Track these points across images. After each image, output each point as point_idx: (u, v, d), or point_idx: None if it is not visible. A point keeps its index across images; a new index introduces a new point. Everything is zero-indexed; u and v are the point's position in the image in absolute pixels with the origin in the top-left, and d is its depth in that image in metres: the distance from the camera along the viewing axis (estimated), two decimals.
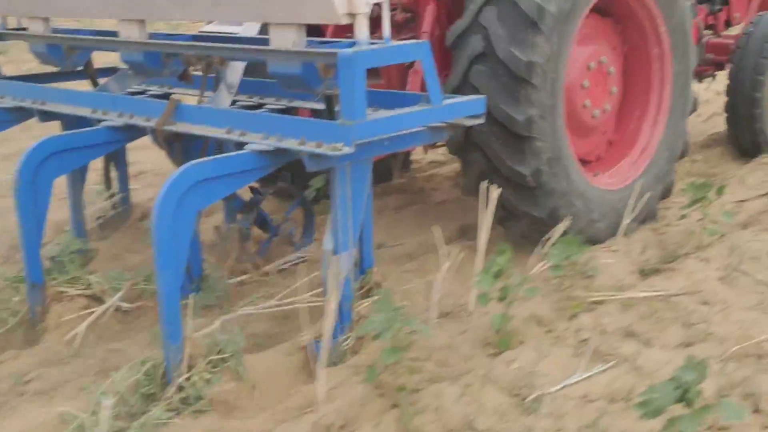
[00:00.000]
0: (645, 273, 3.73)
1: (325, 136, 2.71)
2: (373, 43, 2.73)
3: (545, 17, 3.55)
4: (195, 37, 3.61)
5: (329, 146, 2.68)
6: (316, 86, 2.91)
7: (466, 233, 4.28)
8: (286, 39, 2.86)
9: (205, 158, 2.75)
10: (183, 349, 2.67)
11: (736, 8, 6.16)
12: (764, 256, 3.69)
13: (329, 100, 3.15)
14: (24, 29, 4.08)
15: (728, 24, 6.20)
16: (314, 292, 3.11)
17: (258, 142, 2.85)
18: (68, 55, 3.93)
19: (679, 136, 4.42)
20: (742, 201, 4.72)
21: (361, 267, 3.16)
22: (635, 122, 4.33)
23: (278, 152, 2.83)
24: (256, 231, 3.93)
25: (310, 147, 2.72)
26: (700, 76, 5.94)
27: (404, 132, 2.91)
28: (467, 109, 3.04)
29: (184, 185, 2.63)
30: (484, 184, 3.30)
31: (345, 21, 2.65)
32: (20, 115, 3.93)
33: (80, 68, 4.08)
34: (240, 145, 2.92)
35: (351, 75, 2.61)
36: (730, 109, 5.76)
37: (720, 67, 5.99)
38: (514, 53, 3.55)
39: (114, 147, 3.50)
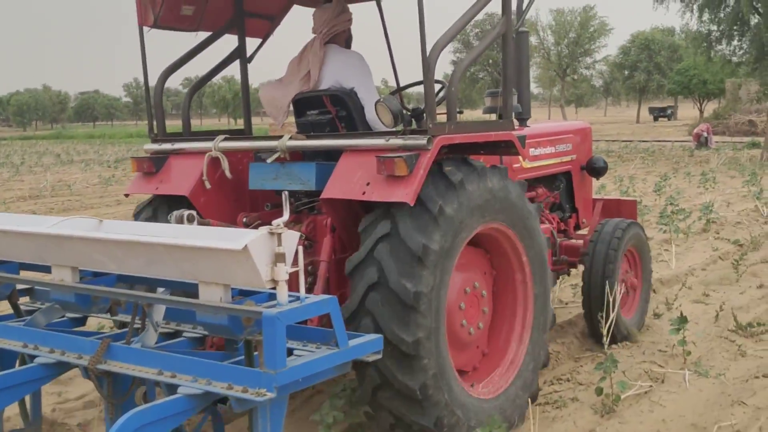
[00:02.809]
0: None
1: (250, 381, 3.16)
2: (292, 300, 3.26)
3: (429, 254, 4.18)
4: (120, 278, 4.02)
5: (254, 391, 3.12)
6: (239, 333, 3.38)
7: None
8: (214, 294, 3.35)
9: (143, 405, 3.12)
10: None
11: (583, 214, 7.17)
12: None
13: (248, 343, 3.61)
14: None
15: (577, 227, 7.19)
16: None
17: (189, 385, 3.26)
18: None
19: (541, 347, 5.09)
20: None
21: None
22: (504, 337, 4.98)
23: (207, 395, 3.25)
24: None
25: (237, 392, 3.16)
26: (557, 273, 6.80)
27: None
28: (369, 347, 3.58)
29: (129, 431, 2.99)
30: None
31: (269, 286, 3.18)
32: None
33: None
34: (171, 386, 3.32)
35: (273, 331, 3.10)
36: (585, 304, 6.59)
37: (572, 265, 6.88)
38: (404, 284, 4.13)
39: (45, 382, 3.79)
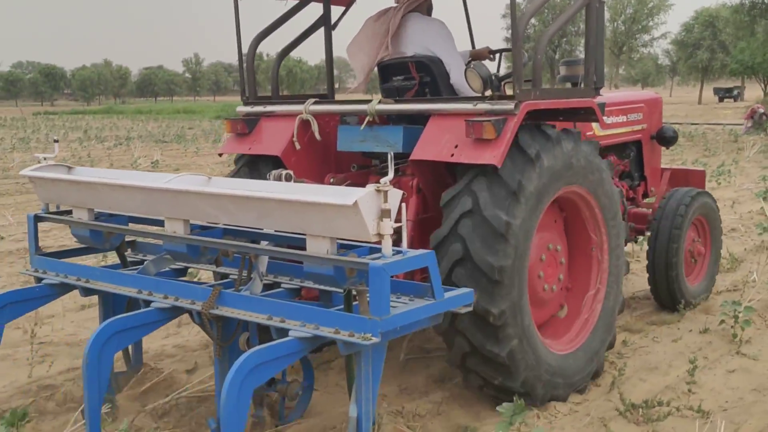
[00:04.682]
0: None
1: (356, 327, 3.42)
2: (395, 253, 3.50)
3: (511, 228, 4.34)
4: (226, 231, 4.32)
5: (360, 336, 3.39)
6: (342, 283, 3.64)
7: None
8: (321, 247, 3.61)
9: (260, 346, 3.41)
10: None
11: (651, 183, 7.28)
12: None
13: (348, 292, 3.87)
14: (64, 212, 4.71)
15: (645, 196, 7.31)
16: None
17: (299, 329, 3.54)
18: (107, 239, 4.58)
19: (610, 325, 5.28)
20: None
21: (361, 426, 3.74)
22: (581, 292, 5.20)
23: (315, 339, 3.53)
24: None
25: (343, 336, 3.43)
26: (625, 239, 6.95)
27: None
28: (461, 300, 3.82)
29: (247, 369, 3.28)
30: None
31: (374, 240, 3.42)
32: (63, 290, 4.54)
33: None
34: (281, 330, 3.60)
35: (380, 281, 3.36)
36: (651, 270, 6.75)
37: (640, 233, 7.03)
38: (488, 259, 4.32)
39: (160, 325, 4.11)
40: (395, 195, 3.46)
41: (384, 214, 3.40)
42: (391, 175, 3.46)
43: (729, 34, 65.34)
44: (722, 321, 6.20)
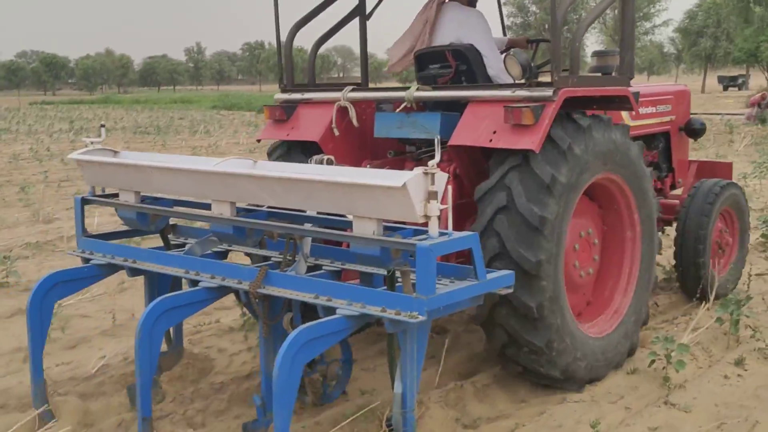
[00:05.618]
0: None
1: (402, 305, 3.52)
2: (442, 234, 3.59)
3: (557, 184, 4.44)
4: (270, 214, 4.42)
5: (407, 314, 3.49)
6: (388, 264, 3.74)
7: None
8: (367, 228, 3.70)
9: (310, 323, 3.52)
10: None
11: (679, 174, 7.34)
12: None
13: (392, 273, 3.96)
14: (110, 195, 4.83)
15: (673, 187, 7.37)
16: None
17: (346, 308, 3.64)
18: (153, 221, 4.69)
19: (643, 304, 5.36)
20: None
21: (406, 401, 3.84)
22: (610, 288, 5.29)
23: (362, 317, 3.63)
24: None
25: (390, 314, 3.53)
26: None
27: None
28: (503, 281, 3.91)
29: (298, 345, 3.39)
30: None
31: (421, 221, 3.52)
32: (110, 270, 4.66)
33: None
34: (328, 309, 3.71)
35: (426, 261, 3.45)
36: (678, 258, 6.81)
37: (668, 223, 7.09)
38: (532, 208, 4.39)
39: (207, 304, 4.22)
40: (442, 178, 3.56)
41: (431, 196, 3.49)
42: (437, 158, 3.55)
43: (732, 21, 63.89)
44: (652, 361, 5.12)
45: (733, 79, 75.15)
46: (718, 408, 4.63)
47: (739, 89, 71.82)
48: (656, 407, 4.64)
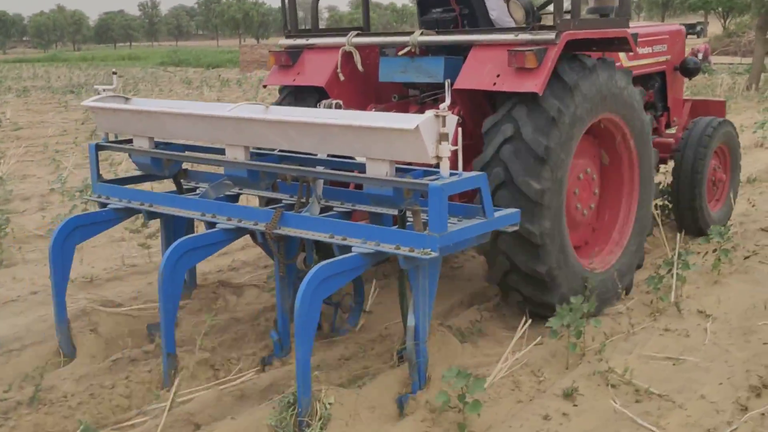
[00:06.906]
0: None
1: (415, 243, 3.69)
2: (452, 174, 3.75)
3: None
4: (282, 157, 4.56)
5: (420, 251, 3.66)
6: (400, 204, 3.90)
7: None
8: (380, 170, 3.85)
9: (328, 260, 3.69)
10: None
11: (674, 113, 7.48)
12: None
13: (403, 213, 4.12)
14: (124, 141, 4.95)
15: (668, 126, 7.52)
16: None
17: (361, 246, 3.81)
18: (167, 166, 4.82)
19: (647, 220, 5.57)
20: None
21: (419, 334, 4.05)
22: (612, 215, 5.48)
23: (377, 254, 3.80)
24: None
25: (404, 251, 3.70)
26: None
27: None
28: (509, 219, 4.08)
29: (317, 281, 3.56)
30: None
31: (433, 162, 3.66)
32: (127, 214, 4.81)
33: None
34: (343, 247, 3.87)
35: (439, 200, 3.61)
36: (674, 197, 7.01)
37: (663, 161, 7.26)
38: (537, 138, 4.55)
39: (224, 245, 4.38)
40: (452, 120, 3.69)
41: (442, 137, 3.63)
42: (448, 101, 3.68)
43: None
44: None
45: (692, 26, 73.02)
46: None
47: (698, 36, 70.11)
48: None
